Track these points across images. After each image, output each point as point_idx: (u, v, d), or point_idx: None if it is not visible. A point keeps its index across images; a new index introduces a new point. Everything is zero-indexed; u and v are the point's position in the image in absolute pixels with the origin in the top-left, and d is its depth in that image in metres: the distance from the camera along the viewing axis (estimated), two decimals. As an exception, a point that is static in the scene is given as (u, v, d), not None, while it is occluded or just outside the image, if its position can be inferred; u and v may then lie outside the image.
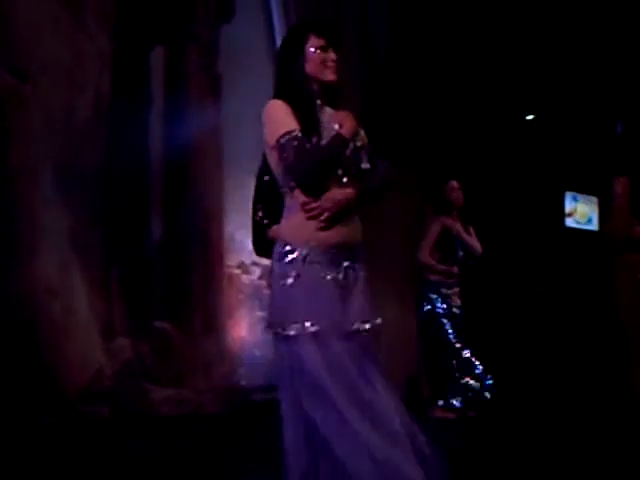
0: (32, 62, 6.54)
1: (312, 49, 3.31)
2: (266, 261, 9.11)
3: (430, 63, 9.56)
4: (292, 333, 3.14)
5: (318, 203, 3.21)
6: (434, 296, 7.55)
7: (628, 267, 6.91)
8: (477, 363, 7.45)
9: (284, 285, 3.21)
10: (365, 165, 3.35)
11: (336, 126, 3.26)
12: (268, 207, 3.98)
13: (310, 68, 3.31)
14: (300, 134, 3.19)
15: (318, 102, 3.35)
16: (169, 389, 7.12)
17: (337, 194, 3.23)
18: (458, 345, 7.46)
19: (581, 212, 11.88)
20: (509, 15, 9.87)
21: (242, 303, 8.51)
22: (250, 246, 8.75)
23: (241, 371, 8.06)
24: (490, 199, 9.99)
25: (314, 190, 3.22)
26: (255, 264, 8.66)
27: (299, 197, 3.26)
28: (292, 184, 3.26)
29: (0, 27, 6.28)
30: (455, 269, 7.64)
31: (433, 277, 7.60)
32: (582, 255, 10.80)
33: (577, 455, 5.42)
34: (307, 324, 3.13)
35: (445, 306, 7.53)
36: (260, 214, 4.13)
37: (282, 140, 3.19)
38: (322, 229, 3.22)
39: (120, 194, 7.14)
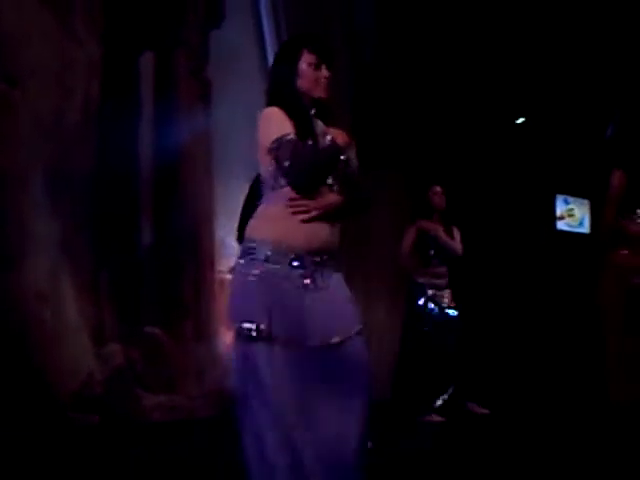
0: (20, 67, 6.53)
1: (305, 66, 3.34)
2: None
3: (419, 64, 9.56)
4: (246, 332, 3.11)
5: (309, 201, 3.19)
6: (421, 297, 7.57)
7: (617, 267, 6.88)
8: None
9: (245, 282, 3.18)
10: (354, 179, 3.35)
11: (328, 137, 3.27)
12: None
13: (302, 84, 3.34)
14: (296, 137, 3.19)
15: (311, 113, 3.37)
16: (160, 395, 7.09)
17: (330, 197, 3.24)
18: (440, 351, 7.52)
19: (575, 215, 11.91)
20: (499, 18, 9.87)
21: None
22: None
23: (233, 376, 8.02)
24: (481, 202, 10.00)
25: (307, 193, 3.22)
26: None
27: (285, 195, 3.23)
28: (282, 183, 3.24)
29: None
30: (442, 270, 7.66)
31: (420, 279, 7.63)
32: (573, 258, 10.80)
33: (556, 458, 5.42)
34: (262, 326, 3.10)
35: (435, 307, 7.54)
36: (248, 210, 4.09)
37: (279, 141, 3.18)
38: (296, 231, 3.19)
39: (110, 199, 7.13)
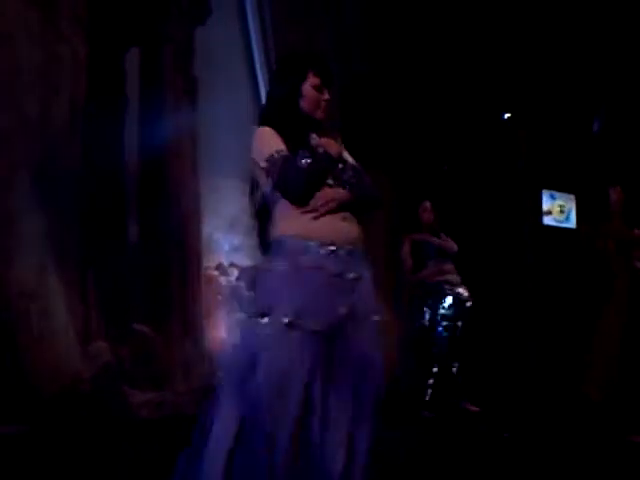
0: (6, 65, 6.51)
1: (309, 87, 3.41)
2: (244, 263, 9.18)
3: (406, 60, 9.57)
4: (273, 320, 3.15)
5: (313, 204, 3.26)
6: (438, 298, 7.67)
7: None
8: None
9: (270, 276, 3.23)
10: (348, 175, 3.39)
11: (320, 150, 3.31)
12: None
13: (304, 104, 3.41)
14: (287, 153, 3.25)
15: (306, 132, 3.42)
16: (148, 392, 7.08)
17: (329, 193, 3.29)
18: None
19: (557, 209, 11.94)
20: (484, 16, 9.90)
21: (220, 304, 8.49)
22: (227, 247, 8.83)
23: (220, 373, 8.02)
24: (467, 198, 10.02)
25: (303, 204, 3.28)
26: (233, 265, 8.65)
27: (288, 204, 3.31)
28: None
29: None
30: (449, 266, 7.78)
31: (430, 281, 7.73)
32: (560, 253, 10.83)
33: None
34: (290, 316, 3.13)
35: (456, 302, 7.65)
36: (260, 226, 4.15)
37: (271, 159, 3.24)
38: (313, 225, 3.25)
39: (97, 196, 7.12)
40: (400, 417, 6.89)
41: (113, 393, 6.74)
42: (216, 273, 8.56)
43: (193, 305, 7.93)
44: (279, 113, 3.41)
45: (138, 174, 7.86)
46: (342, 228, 3.29)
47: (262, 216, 3.49)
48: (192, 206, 8.03)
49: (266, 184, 3.33)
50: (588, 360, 7.33)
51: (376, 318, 3.32)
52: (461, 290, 7.77)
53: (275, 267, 3.22)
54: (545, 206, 11.81)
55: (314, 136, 3.41)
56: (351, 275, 3.26)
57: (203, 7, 8.42)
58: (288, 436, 3.06)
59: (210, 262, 8.44)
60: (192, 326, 7.86)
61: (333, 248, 3.24)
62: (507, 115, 10.75)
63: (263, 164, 3.28)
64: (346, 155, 3.48)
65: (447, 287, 7.73)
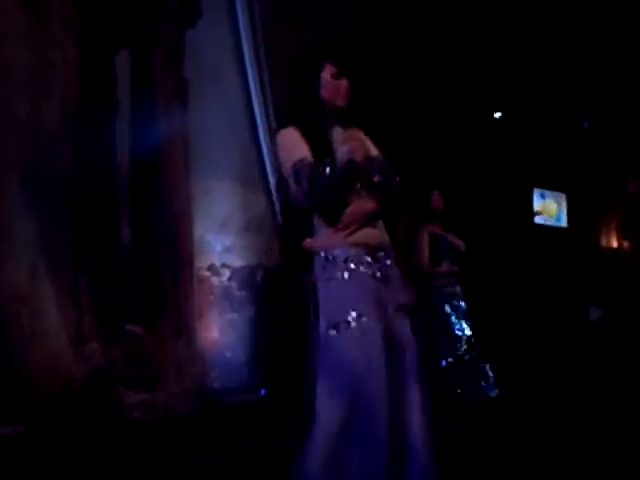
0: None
1: (328, 77, 3.53)
2: (235, 263, 9.19)
3: (397, 58, 9.59)
4: (343, 327, 3.31)
5: (343, 221, 3.42)
6: (440, 299, 7.70)
7: None
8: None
9: (330, 286, 3.40)
10: (377, 178, 3.51)
11: (346, 147, 3.42)
12: (293, 227, 4.08)
13: (324, 94, 3.53)
14: (312, 160, 3.37)
15: (330, 122, 3.54)
16: (141, 393, 7.09)
17: (358, 209, 3.44)
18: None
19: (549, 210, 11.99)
20: (475, 17, 9.92)
21: (213, 305, 8.52)
22: (219, 248, 8.84)
23: (213, 373, 8.06)
24: (458, 197, 10.05)
25: (331, 212, 3.43)
26: (225, 266, 8.68)
27: None
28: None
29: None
30: (456, 268, 7.83)
31: (435, 282, 7.75)
32: (552, 252, 10.88)
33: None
34: (361, 317, 3.31)
35: (453, 304, 7.68)
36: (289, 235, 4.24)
37: (296, 167, 3.37)
38: (351, 237, 3.42)
39: (88, 198, 7.13)
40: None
41: (106, 394, 6.75)
42: (208, 274, 8.58)
43: (185, 306, 7.94)
44: (301, 106, 3.54)
45: (130, 176, 7.87)
46: (374, 234, 3.48)
47: (286, 213, 3.64)
48: (184, 207, 8.03)
49: (294, 186, 3.44)
50: None
51: (409, 305, 3.52)
52: (459, 294, 7.80)
53: (330, 278, 3.40)
54: (537, 206, 11.87)
55: (338, 129, 3.53)
56: (389, 275, 3.46)
57: (193, 9, 8.42)
58: (386, 429, 3.22)
59: (202, 263, 8.46)
60: (184, 327, 7.86)
61: (372, 254, 3.43)
62: (498, 114, 10.80)
63: (289, 170, 3.40)
64: (372, 149, 3.60)
65: (447, 290, 7.74)
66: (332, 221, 3.44)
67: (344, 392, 3.27)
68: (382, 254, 3.47)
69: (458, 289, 7.84)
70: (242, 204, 8.83)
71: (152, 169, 7.85)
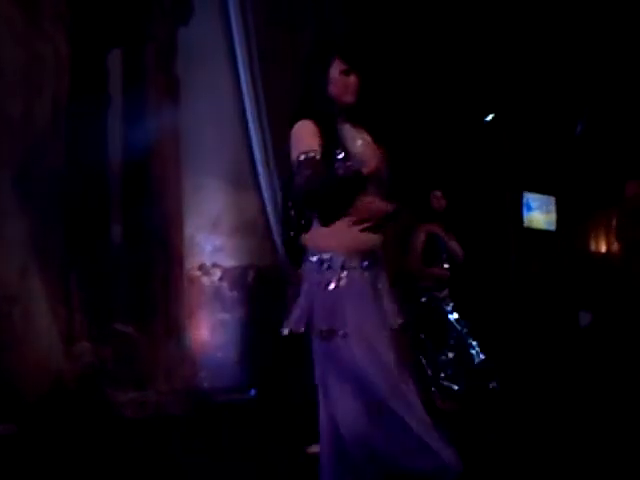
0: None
1: (336, 73, 3.53)
2: (226, 263, 9.16)
3: (389, 61, 9.58)
4: (341, 333, 3.32)
5: (362, 212, 3.42)
6: (426, 300, 7.65)
7: None
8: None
9: (327, 291, 3.38)
10: (388, 176, 3.55)
11: (359, 142, 3.48)
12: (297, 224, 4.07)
13: (333, 90, 3.53)
14: (318, 156, 3.36)
15: (339, 118, 3.53)
16: (131, 392, 7.07)
17: (375, 206, 3.45)
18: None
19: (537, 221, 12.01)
20: (468, 16, 9.92)
21: (203, 305, 8.49)
22: (210, 248, 8.81)
23: (203, 373, 8.04)
24: (449, 200, 10.03)
25: (326, 212, 3.42)
26: (215, 266, 8.65)
27: None
28: None
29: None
30: (447, 273, 7.75)
31: (424, 283, 7.68)
32: (542, 255, 10.89)
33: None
34: (353, 325, 3.32)
35: (440, 308, 7.64)
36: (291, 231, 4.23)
37: (300, 158, 3.38)
38: (355, 236, 3.41)
39: (80, 197, 7.10)
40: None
41: (96, 393, 6.73)
42: (199, 274, 8.56)
43: (176, 305, 7.91)
44: (310, 102, 3.54)
45: (121, 174, 7.84)
46: (369, 238, 3.46)
47: (289, 204, 3.63)
48: (175, 206, 8.01)
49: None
50: None
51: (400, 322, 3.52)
52: (447, 298, 7.75)
53: (326, 282, 3.38)
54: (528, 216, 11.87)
55: (349, 127, 3.53)
56: (381, 281, 3.49)
57: (186, 6, 8.40)
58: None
59: (192, 263, 8.43)
60: (175, 326, 7.84)
61: (366, 259, 3.43)
62: (489, 117, 10.80)
63: (294, 159, 3.40)
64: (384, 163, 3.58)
65: (436, 294, 7.68)
66: (326, 221, 3.42)
67: (356, 389, 3.29)
68: (375, 260, 3.47)
69: (446, 292, 7.78)
70: (233, 204, 8.80)
71: (143, 166, 7.82)
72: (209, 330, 8.42)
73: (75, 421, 6.19)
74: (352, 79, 3.53)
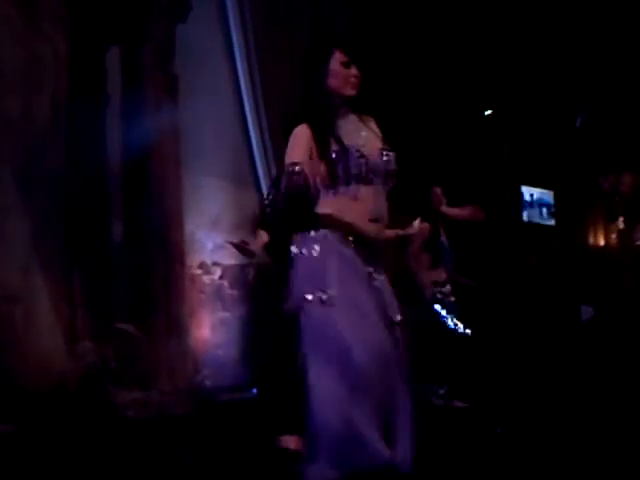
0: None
1: (336, 65, 3.52)
2: (227, 261, 9.15)
3: (387, 58, 9.57)
4: (324, 297, 3.29)
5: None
6: (428, 298, 7.66)
7: None
8: None
9: (310, 257, 3.38)
10: (393, 167, 3.58)
11: (363, 133, 3.50)
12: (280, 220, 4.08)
13: (332, 83, 3.51)
14: (300, 168, 3.35)
15: (342, 110, 3.54)
16: (134, 392, 7.07)
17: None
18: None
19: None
20: (466, 11, 9.92)
21: (204, 303, 8.48)
22: (210, 246, 8.80)
23: (205, 372, 8.03)
24: (446, 195, 10.03)
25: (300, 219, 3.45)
26: (216, 264, 8.64)
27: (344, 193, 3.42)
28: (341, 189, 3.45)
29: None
30: (448, 270, 7.76)
31: (426, 279, 7.70)
32: (541, 249, 10.87)
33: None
34: (339, 292, 3.30)
35: (441, 305, 7.65)
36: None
37: (286, 168, 3.39)
38: (363, 223, 3.43)
39: (80, 196, 7.10)
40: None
41: (99, 393, 6.72)
42: (199, 272, 8.55)
43: (177, 304, 7.92)
44: (309, 96, 3.54)
45: (121, 173, 7.85)
46: (379, 230, 3.51)
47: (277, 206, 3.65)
48: (175, 204, 8.01)
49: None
50: None
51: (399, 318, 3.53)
52: (449, 294, 7.76)
53: (322, 252, 3.38)
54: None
55: (352, 117, 3.54)
56: (379, 273, 3.51)
57: (183, 4, 8.39)
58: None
59: (193, 261, 8.42)
60: (176, 325, 7.84)
61: (369, 248, 3.46)
62: (488, 111, 10.80)
63: (286, 168, 3.40)
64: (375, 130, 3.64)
65: (437, 290, 7.68)
66: (302, 227, 3.44)
67: (334, 360, 3.25)
68: (374, 253, 3.47)
69: (448, 287, 7.79)
70: (233, 201, 8.80)
71: (143, 165, 7.83)
72: (210, 328, 8.42)
73: (78, 421, 6.19)
74: (352, 71, 3.51)
